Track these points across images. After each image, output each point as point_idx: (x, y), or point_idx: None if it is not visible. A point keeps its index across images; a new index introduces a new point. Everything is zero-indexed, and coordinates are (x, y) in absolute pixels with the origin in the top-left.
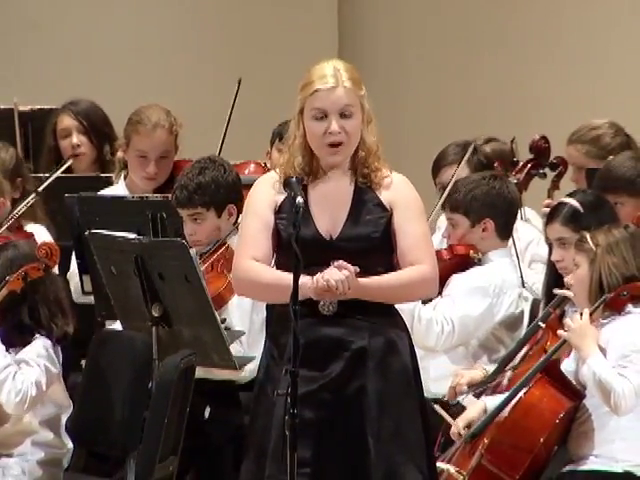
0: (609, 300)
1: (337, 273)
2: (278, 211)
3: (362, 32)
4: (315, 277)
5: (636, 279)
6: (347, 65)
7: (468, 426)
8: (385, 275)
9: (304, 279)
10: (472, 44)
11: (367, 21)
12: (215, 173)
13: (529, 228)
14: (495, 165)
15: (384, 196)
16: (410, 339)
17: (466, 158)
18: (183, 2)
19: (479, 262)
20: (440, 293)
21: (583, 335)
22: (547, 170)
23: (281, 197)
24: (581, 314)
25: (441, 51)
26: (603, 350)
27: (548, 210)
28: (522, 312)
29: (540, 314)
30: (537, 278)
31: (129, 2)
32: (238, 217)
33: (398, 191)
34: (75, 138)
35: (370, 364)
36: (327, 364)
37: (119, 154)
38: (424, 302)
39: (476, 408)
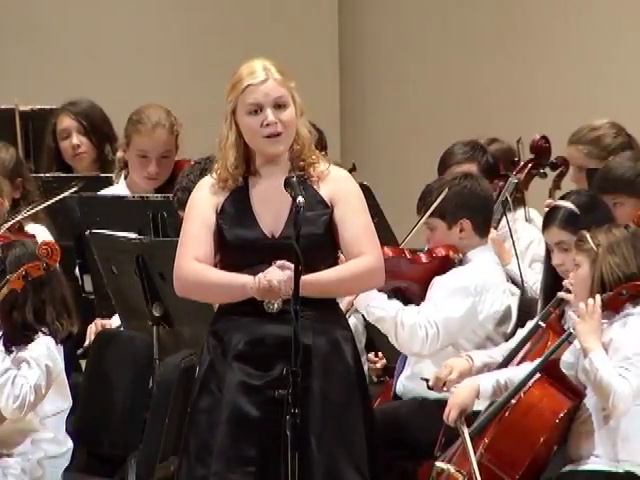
0: (608, 299)
1: (279, 273)
2: (220, 212)
3: (362, 33)
4: (257, 277)
5: (636, 278)
6: (274, 61)
7: (463, 410)
8: (327, 270)
9: (246, 279)
10: (473, 45)
11: (367, 22)
12: None
13: (530, 228)
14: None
15: (324, 191)
16: (354, 340)
17: None
18: (183, 2)
19: (460, 263)
20: (424, 297)
21: (591, 329)
22: (548, 170)
23: (222, 199)
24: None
25: (442, 52)
26: (605, 348)
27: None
28: (508, 307)
29: (539, 313)
30: (538, 278)
31: (129, 2)
32: None
33: (338, 185)
34: (75, 138)
35: (314, 363)
36: (272, 362)
37: (119, 154)
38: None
39: (468, 390)
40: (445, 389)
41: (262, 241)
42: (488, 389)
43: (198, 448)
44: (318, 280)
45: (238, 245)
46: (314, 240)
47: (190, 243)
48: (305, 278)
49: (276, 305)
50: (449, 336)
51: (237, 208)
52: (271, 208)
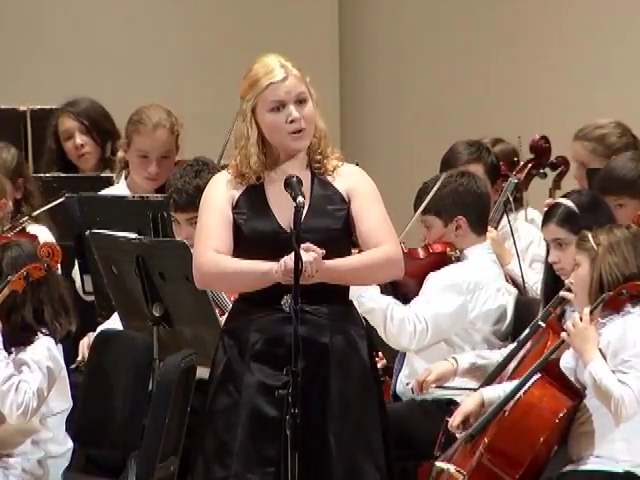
0: (608, 299)
1: (305, 255)
2: (235, 206)
3: (362, 32)
4: (283, 259)
5: (636, 279)
6: (285, 57)
7: (466, 419)
8: (351, 257)
9: (271, 264)
10: (473, 44)
11: (367, 21)
12: (211, 176)
13: (530, 228)
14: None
15: (340, 185)
16: (368, 337)
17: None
18: (183, 2)
19: (458, 260)
20: (418, 292)
21: (585, 339)
22: (547, 170)
23: (237, 193)
24: (581, 316)
25: (442, 51)
26: (603, 353)
27: None
28: (503, 306)
29: (540, 313)
30: (538, 278)
31: (129, 2)
32: None
33: (353, 179)
34: (78, 139)
35: (332, 362)
36: (290, 362)
37: (120, 154)
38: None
39: (473, 400)
40: (425, 391)
41: (279, 234)
42: (493, 401)
43: (216, 449)
44: (338, 265)
45: (255, 238)
46: (332, 235)
47: (208, 236)
48: (328, 263)
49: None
50: (439, 332)
51: (253, 202)
52: (288, 202)
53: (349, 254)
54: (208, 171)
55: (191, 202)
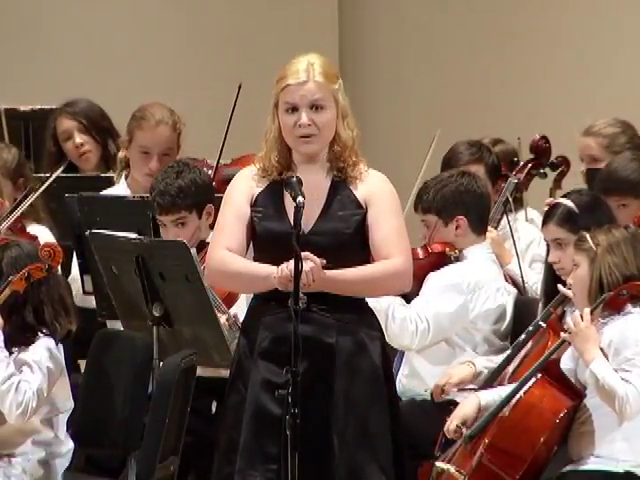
0: (608, 299)
1: (303, 264)
2: (254, 204)
3: (362, 32)
4: (280, 267)
5: (636, 279)
6: (323, 59)
7: (463, 423)
8: (354, 268)
9: (271, 269)
10: (473, 44)
11: (367, 21)
12: (192, 175)
13: (530, 228)
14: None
15: (360, 192)
16: (383, 339)
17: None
18: (184, 2)
19: (457, 259)
20: (418, 292)
21: (585, 338)
22: (547, 170)
23: (258, 190)
24: (581, 315)
25: (442, 51)
26: (605, 352)
27: None
28: (502, 306)
29: (540, 314)
30: (538, 278)
31: (129, 2)
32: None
33: (374, 187)
34: (78, 138)
35: (337, 363)
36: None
37: (120, 153)
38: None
39: (470, 404)
40: (444, 395)
41: (290, 235)
42: (489, 405)
43: (226, 446)
44: (338, 276)
45: (267, 238)
46: (342, 239)
47: (222, 233)
48: (328, 273)
49: (300, 304)
50: (440, 332)
51: (270, 202)
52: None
53: (362, 260)
54: (189, 171)
55: (174, 203)
